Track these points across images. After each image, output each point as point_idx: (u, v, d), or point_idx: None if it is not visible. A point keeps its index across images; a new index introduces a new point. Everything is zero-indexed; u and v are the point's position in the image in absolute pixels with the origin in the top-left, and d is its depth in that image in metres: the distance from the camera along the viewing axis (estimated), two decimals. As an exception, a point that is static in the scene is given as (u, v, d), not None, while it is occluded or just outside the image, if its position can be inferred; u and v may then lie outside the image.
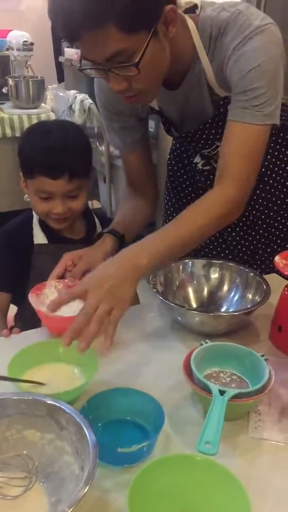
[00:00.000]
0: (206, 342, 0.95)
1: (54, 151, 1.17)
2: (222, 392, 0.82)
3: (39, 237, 1.29)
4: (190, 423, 0.87)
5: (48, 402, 0.74)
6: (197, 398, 0.90)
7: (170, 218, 1.48)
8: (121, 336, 1.10)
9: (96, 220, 1.39)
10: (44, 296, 1.09)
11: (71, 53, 3.34)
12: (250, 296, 1.16)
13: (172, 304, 1.07)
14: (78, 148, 1.22)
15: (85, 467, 0.66)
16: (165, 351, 1.05)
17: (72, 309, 0.97)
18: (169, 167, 1.48)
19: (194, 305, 1.21)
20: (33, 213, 1.31)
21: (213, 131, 1.22)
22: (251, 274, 1.17)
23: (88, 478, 0.63)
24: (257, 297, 1.12)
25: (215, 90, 1.13)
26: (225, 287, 1.21)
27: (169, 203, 1.51)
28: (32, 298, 1.05)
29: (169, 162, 1.48)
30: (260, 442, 0.84)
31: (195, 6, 1.07)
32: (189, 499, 0.70)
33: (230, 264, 1.22)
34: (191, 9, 1.07)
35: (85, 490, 0.62)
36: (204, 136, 1.24)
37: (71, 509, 0.60)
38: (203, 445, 0.72)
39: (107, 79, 0.99)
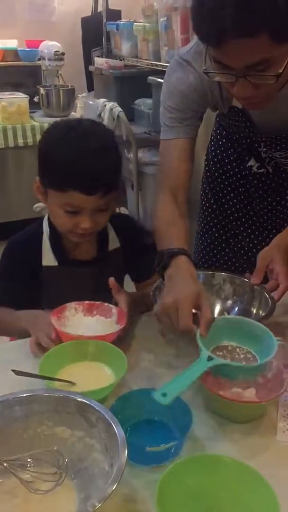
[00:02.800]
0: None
1: (92, 164, 1.07)
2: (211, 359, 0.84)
3: (49, 259, 1.20)
4: (217, 424, 0.87)
5: (79, 399, 0.76)
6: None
7: (211, 224, 1.49)
8: (150, 338, 1.12)
9: (111, 232, 1.26)
10: (66, 319, 1.08)
11: (100, 62, 3.39)
12: (254, 310, 1.14)
13: None
14: (115, 159, 1.13)
15: (114, 464, 0.67)
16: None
17: (93, 329, 1.04)
18: (207, 167, 1.48)
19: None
20: (43, 229, 1.21)
21: None
22: (256, 287, 1.14)
23: (117, 475, 0.65)
24: (261, 312, 1.10)
25: None
26: (229, 301, 1.19)
27: (209, 210, 1.50)
28: (54, 321, 1.03)
29: (206, 163, 1.48)
30: (288, 446, 0.84)
31: None
32: (217, 499, 0.70)
33: (235, 276, 1.19)
34: None
35: (114, 487, 0.63)
36: (284, 140, 1.23)
37: (100, 504, 0.62)
38: (159, 394, 0.79)
39: (231, 84, 0.95)
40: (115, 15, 3.59)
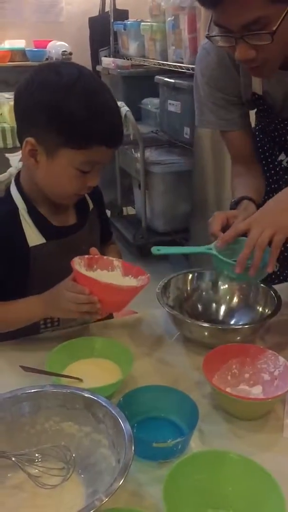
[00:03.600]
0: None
1: (111, 116, 1.00)
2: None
3: (34, 236, 1.06)
4: (224, 421, 0.88)
5: (86, 395, 0.77)
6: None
7: None
8: (158, 335, 1.12)
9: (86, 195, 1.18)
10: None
11: (108, 62, 3.40)
12: (260, 308, 1.14)
13: (180, 317, 1.07)
14: (119, 111, 1.07)
15: (121, 459, 0.67)
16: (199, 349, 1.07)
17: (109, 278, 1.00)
18: None
19: (202, 317, 1.19)
20: (18, 205, 1.06)
21: None
22: (262, 285, 1.15)
23: (124, 469, 0.65)
24: (267, 310, 1.10)
25: None
26: (235, 299, 1.20)
27: None
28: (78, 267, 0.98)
29: None
30: (294, 442, 0.84)
31: None
32: (224, 495, 0.70)
33: None
34: None
35: (121, 482, 0.64)
36: None
37: (108, 499, 0.62)
38: (155, 248, 1.06)
39: (232, 48, 1.01)
40: (122, 15, 3.60)
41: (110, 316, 1.25)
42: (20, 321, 1.07)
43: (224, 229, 1.10)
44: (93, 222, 1.18)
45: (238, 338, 1.04)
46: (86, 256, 1.02)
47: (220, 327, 1.09)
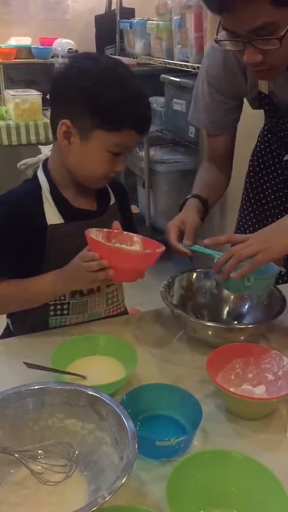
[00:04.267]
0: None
1: (143, 103, 1.06)
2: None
3: (53, 216, 1.09)
4: (227, 420, 0.88)
5: (89, 392, 0.77)
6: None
7: (248, 217, 1.51)
8: (162, 333, 1.12)
9: (109, 188, 1.22)
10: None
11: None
12: (264, 308, 1.14)
13: (184, 315, 1.06)
14: (149, 100, 1.12)
15: (124, 457, 0.67)
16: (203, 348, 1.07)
17: None
18: (251, 168, 1.51)
19: (206, 316, 1.20)
20: (41, 185, 1.10)
21: None
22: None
23: (127, 467, 0.65)
24: (271, 309, 1.09)
25: None
26: (239, 299, 1.20)
27: (248, 203, 1.52)
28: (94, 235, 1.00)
29: (250, 163, 1.51)
30: (297, 443, 0.84)
31: None
32: (226, 495, 0.70)
33: None
34: None
35: (124, 480, 0.64)
36: None
37: (110, 496, 0.62)
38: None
39: (241, 52, 1.01)
40: (128, 13, 3.60)
41: (121, 313, 1.25)
42: (42, 296, 1.09)
43: (181, 236, 1.14)
44: (113, 214, 1.19)
45: (242, 337, 1.04)
46: (105, 229, 1.04)
47: (224, 327, 1.08)
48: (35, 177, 1.13)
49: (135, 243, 1.05)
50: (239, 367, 0.95)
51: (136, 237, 1.06)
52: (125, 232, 1.06)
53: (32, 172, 1.16)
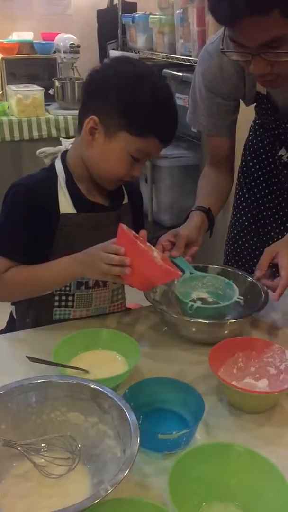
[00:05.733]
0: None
1: (173, 114, 1.08)
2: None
3: (66, 206, 1.10)
4: (230, 414, 0.88)
5: (92, 386, 0.77)
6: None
7: (242, 212, 1.51)
8: (164, 327, 1.12)
9: (123, 188, 1.23)
10: None
11: (116, 55, 3.39)
12: (247, 302, 1.13)
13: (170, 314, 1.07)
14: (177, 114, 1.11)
15: (126, 450, 0.68)
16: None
17: None
18: (244, 162, 1.51)
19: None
20: (58, 174, 1.12)
21: None
22: (249, 279, 1.16)
23: (129, 460, 0.65)
24: (254, 303, 1.10)
25: None
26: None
27: (242, 198, 1.53)
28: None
29: (243, 158, 1.51)
30: (300, 436, 0.84)
31: None
32: (229, 487, 0.71)
33: (228, 269, 1.23)
34: None
35: (126, 472, 0.64)
36: None
37: (113, 489, 0.62)
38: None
39: (247, 62, 0.99)
40: (130, 7, 3.58)
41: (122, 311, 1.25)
42: (56, 280, 1.08)
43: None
44: (124, 214, 1.20)
45: (226, 332, 1.04)
46: (133, 232, 1.03)
47: (207, 322, 1.05)
48: (52, 166, 1.14)
49: (155, 258, 1.03)
50: (241, 361, 0.95)
51: (156, 253, 1.05)
52: (148, 244, 1.05)
53: (50, 161, 1.17)
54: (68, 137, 3.00)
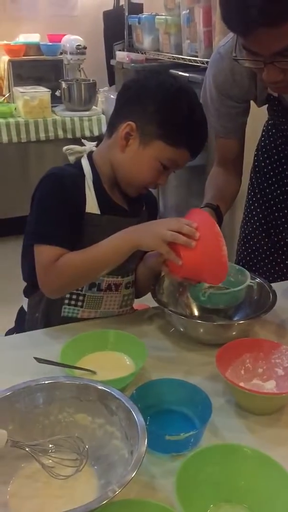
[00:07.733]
0: None
1: (203, 129, 1.13)
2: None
3: (92, 205, 1.12)
4: (237, 415, 0.88)
5: (99, 387, 0.77)
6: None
7: (254, 213, 1.51)
8: (171, 328, 1.12)
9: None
10: None
11: (122, 56, 3.39)
12: (255, 303, 1.13)
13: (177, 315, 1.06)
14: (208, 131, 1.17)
15: (134, 451, 0.68)
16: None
17: None
18: (256, 163, 1.51)
19: (196, 312, 1.19)
20: (85, 173, 1.13)
21: None
22: (257, 280, 1.15)
23: (137, 462, 0.65)
24: (261, 305, 1.09)
25: None
26: (233, 280, 1.16)
27: (254, 199, 1.53)
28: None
29: (256, 158, 1.51)
30: (308, 438, 0.84)
31: None
32: (236, 489, 0.70)
33: (236, 268, 1.20)
34: None
35: (134, 474, 0.64)
36: None
37: (120, 490, 0.62)
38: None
39: (260, 69, 1.00)
40: (137, 8, 3.58)
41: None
42: (112, 256, 1.05)
43: None
44: (143, 221, 1.19)
45: (234, 333, 1.04)
46: None
47: (214, 323, 1.07)
48: (78, 164, 1.15)
49: (223, 249, 1.01)
50: (249, 362, 0.95)
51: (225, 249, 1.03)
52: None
53: (74, 159, 1.17)
54: (74, 139, 3.03)
